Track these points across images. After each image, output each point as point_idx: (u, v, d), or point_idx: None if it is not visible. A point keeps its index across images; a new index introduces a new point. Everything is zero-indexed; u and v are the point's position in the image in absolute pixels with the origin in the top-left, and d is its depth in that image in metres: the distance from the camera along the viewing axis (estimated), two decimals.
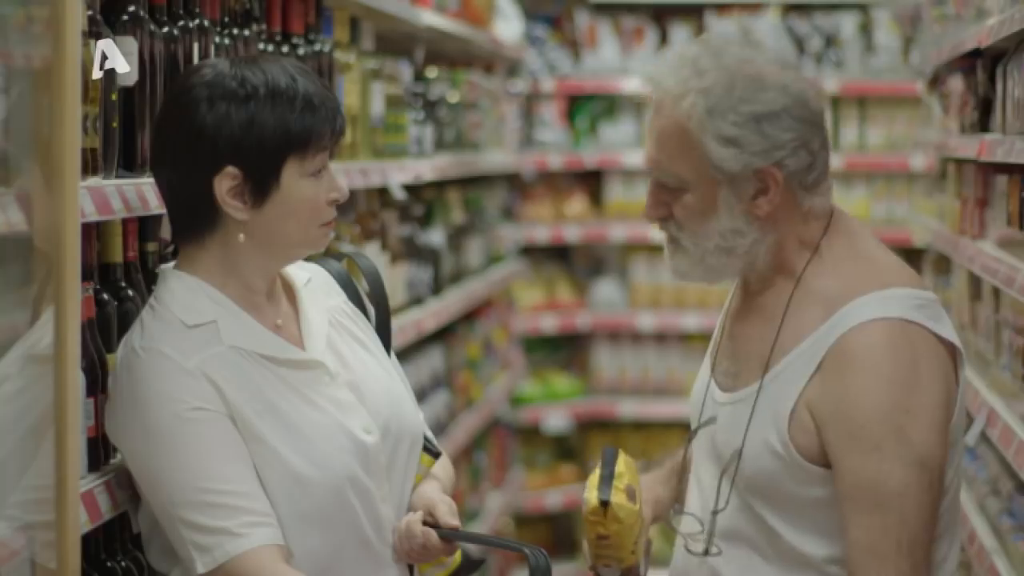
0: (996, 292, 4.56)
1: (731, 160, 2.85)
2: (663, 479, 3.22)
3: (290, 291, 2.98)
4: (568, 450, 8.87)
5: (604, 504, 2.98)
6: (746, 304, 3.03)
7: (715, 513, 2.96)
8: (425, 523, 2.90)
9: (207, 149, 2.79)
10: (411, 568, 2.98)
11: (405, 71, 5.52)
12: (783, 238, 2.92)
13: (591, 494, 3.01)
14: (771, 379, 2.90)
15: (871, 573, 2.79)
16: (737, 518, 2.94)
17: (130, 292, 2.97)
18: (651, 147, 2.93)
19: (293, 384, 2.85)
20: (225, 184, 2.79)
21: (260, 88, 2.79)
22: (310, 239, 2.88)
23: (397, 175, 5.13)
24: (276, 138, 2.80)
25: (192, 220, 2.85)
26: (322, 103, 2.83)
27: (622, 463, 3.05)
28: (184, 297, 2.83)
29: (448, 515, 2.90)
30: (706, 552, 2.97)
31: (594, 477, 3.04)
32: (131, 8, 2.98)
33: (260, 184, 2.80)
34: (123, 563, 2.91)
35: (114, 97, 2.90)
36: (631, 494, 3.02)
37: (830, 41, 8.67)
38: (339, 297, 3.05)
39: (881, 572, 2.78)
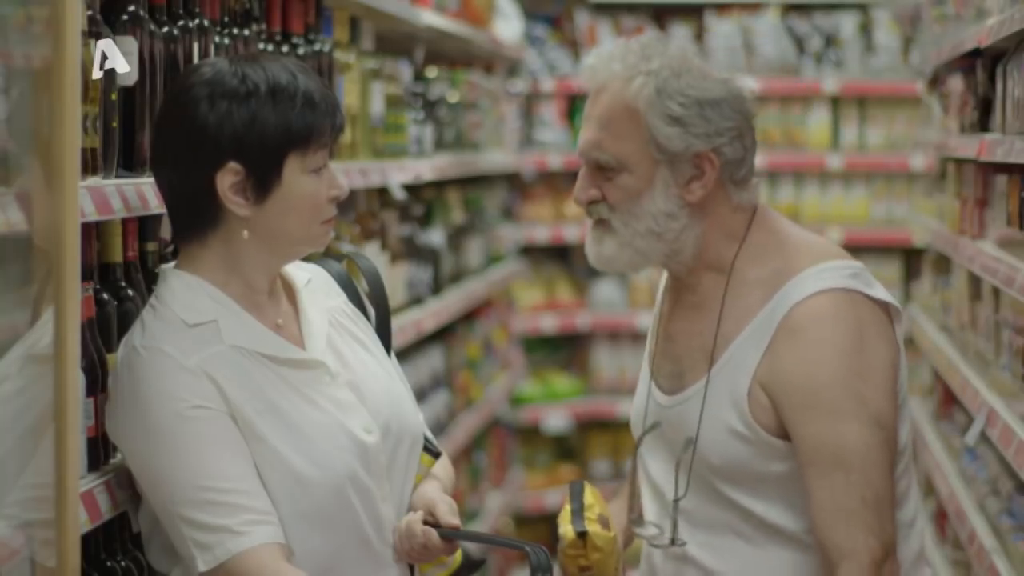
0: (996, 292, 4.56)
1: (675, 139, 2.96)
2: (627, 508, 3.26)
3: (290, 291, 2.99)
4: (568, 450, 8.87)
5: (582, 536, 3.02)
6: (679, 304, 3.10)
7: (676, 501, 3.01)
8: (425, 522, 2.90)
9: (209, 146, 2.79)
10: (412, 568, 2.98)
11: (405, 71, 5.52)
12: (710, 230, 3.02)
13: (566, 528, 3.06)
14: (719, 369, 2.98)
15: (839, 531, 2.87)
16: (711, 508, 3.01)
17: (130, 292, 2.97)
18: (592, 129, 3.03)
19: (294, 383, 2.85)
20: (227, 180, 2.80)
21: (261, 85, 2.80)
22: (311, 236, 2.88)
23: (397, 175, 5.13)
24: (278, 135, 2.80)
25: (194, 218, 2.85)
26: (322, 100, 2.84)
27: (590, 494, 3.11)
28: (185, 296, 2.83)
29: (448, 514, 2.90)
30: (672, 542, 3.03)
31: (565, 512, 3.09)
32: (131, 8, 2.97)
33: (262, 180, 2.81)
34: (123, 563, 2.91)
35: (114, 97, 2.90)
36: (604, 523, 3.08)
37: (830, 41, 8.67)
38: (339, 298, 3.06)
39: (849, 529, 2.86)
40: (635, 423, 3.16)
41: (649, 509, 3.11)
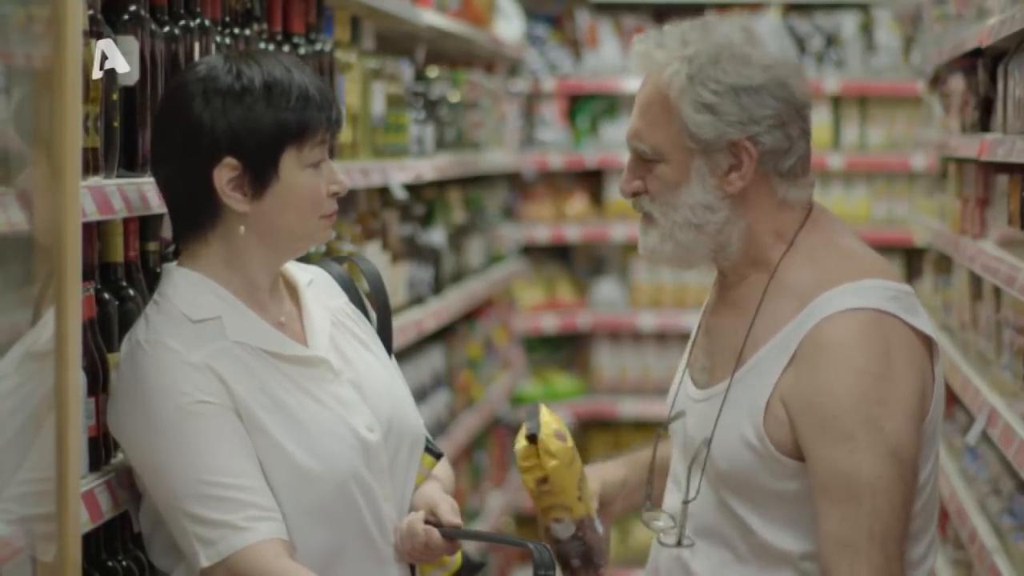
0: (997, 291, 4.57)
1: (706, 127, 2.86)
2: (629, 463, 3.24)
3: (293, 291, 2.99)
4: None
5: (532, 440, 3.00)
6: (721, 299, 3.02)
7: (686, 503, 2.95)
8: (427, 522, 2.90)
9: (205, 142, 2.80)
10: (412, 568, 2.98)
11: (406, 71, 5.52)
12: (756, 226, 2.92)
13: (519, 441, 3.03)
14: (744, 373, 2.89)
15: (843, 565, 2.76)
16: (714, 516, 2.93)
17: (131, 292, 2.97)
18: (634, 118, 2.95)
19: (297, 380, 2.86)
20: (225, 175, 2.81)
21: (256, 81, 2.81)
22: (311, 231, 2.89)
23: (398, 175, 5.14)
24: (273, 130, 2.81)
25: (194, 216, 2.86)
26: (317, 94, 2.85)
27: (546, 414, 3.08)
28: (188, 293, 2.84)
29: (450, 513, 2.90)
30: (679, 543, 2.95)
31: (520, 432, 3.07)
32: (132, 7, 2.98)
33: (259, 175, 2.82)
34: (124, 563, 2.92)
35: (115, 96, 2.90)
36: (561, 436, 3.04)
37: (831, 41, 8.67)
38: (341, 298, 3.06)
39: (854, 564, 2.76)
40: (668, 409, 3.11)
41: (668, 501, 3.05)
